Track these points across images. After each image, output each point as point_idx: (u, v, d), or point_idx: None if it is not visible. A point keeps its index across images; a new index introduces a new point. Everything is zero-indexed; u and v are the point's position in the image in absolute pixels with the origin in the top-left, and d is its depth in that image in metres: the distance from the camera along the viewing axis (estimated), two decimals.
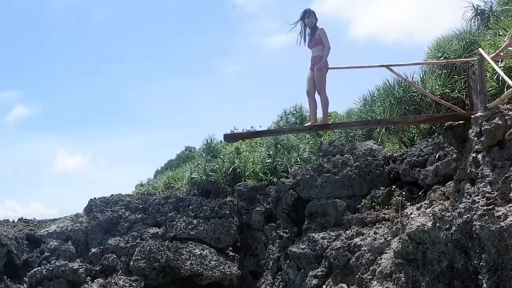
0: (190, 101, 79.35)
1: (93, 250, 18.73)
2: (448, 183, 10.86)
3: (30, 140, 73.48)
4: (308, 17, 10.58)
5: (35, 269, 18.33)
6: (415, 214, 10.43)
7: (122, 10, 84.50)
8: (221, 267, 16.94)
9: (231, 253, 17.78)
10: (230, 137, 13.09)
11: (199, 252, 17.06)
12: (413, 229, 9.99)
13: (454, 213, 9.05)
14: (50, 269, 18.18)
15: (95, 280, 18.18)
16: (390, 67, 11.08)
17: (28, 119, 77.73)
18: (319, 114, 11.06)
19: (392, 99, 14.09)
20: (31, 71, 79.24)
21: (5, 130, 71.75)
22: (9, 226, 19.90)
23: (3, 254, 17.98)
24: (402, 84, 13.99)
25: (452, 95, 13.10)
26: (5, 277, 17.83)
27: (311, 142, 18.91)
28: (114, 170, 68.76)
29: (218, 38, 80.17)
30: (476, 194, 8.77)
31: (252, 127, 24.14)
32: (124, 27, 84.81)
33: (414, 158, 12.25)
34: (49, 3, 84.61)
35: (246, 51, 79.46)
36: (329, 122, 12.69)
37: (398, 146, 14.12)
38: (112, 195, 20.39)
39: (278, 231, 15.62)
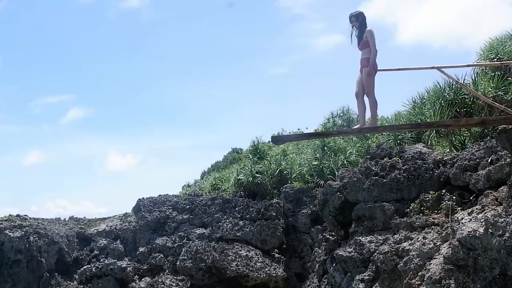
0: (237, 102, 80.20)
1: (141, 249, 19.01)
2: (501, 188, 10.60)
3: (84, 141, 75.69)
4: (352, 21, 10.55)
5: (85, 267, 18.72)
6: (466, 219, 10.21)
7: (170, 13, 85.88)
8: (266, 269, 16.94)
9: (276, 255, 17.74)
10: (278, 139, 13.10)
11: (245, 254, 17.11)
12: (464, 235, 9.78)
13: (507, 219, 8.82)
14: (99, 267, 18.53)
15: (142, 279, 18.45)
16: (441, 69, 10.87)
17: (82, 120, 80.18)
18: (368, 116, 10.94)
19: (442, 101, 13.83)
20: (85, 76, 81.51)
21: (61, 131, 74.27)
22: (61, 224, 20.47)
23: (54, 252, 18.46)
24: (453, 86, 13.72)
25: (506, 98, 12.80)
26: (56, 273, 18.27)
27: (358, 145, 18.75)
28: (162, 170, 69.88)
29: (265, 40, 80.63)
30: None
31: (299, 129, 24.12)
32: (171, 29, 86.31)
33: (465, 162, 11.99)
34: (103, 9, 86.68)
35: (293, 52, 79.59)
36: (378, 125, 12.52)
37: (448, 150, 13.84)
38: (159, 195, 20.66)
39: (324, 234, 15.54)
